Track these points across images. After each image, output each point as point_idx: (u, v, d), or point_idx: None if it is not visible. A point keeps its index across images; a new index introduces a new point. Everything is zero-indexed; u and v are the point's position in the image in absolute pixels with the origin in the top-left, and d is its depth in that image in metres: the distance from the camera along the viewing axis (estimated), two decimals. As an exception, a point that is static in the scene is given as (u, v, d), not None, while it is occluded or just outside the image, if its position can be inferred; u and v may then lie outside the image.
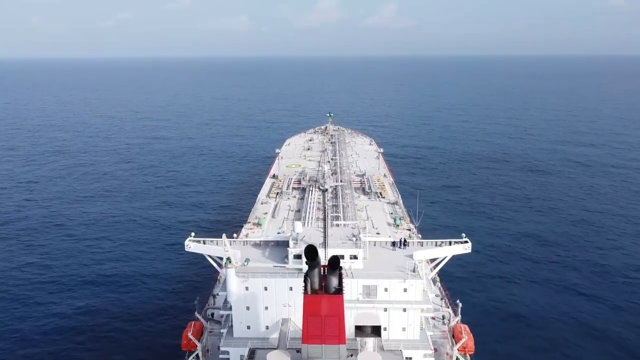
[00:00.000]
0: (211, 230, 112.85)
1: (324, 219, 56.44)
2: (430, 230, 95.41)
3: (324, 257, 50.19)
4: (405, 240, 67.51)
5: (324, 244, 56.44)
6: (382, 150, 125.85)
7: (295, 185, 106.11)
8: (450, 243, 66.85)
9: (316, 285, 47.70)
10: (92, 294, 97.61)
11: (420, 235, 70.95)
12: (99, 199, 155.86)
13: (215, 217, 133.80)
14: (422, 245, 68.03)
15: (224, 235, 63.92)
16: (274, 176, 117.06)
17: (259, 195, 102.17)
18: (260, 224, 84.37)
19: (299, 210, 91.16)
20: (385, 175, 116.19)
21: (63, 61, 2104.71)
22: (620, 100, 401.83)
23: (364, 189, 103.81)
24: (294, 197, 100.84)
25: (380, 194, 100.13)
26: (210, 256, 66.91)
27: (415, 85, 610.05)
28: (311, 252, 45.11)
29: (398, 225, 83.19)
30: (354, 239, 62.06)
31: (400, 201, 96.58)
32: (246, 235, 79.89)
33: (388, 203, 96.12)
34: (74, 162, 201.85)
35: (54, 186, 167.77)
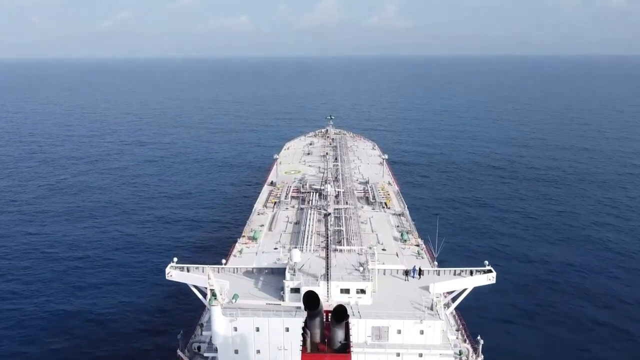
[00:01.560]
0: (201, 250, 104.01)
1: (326, 248, 48.61)
2: (443, 251, 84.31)
3: (326, 291, 43.71)
4: (419, 269, 59.77)
5: (327, 276, 49.46)
6: (386, 157, 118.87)
7: (294, 194, 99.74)
8: (471, 272, 58.89)
9: (317, 338, 39.98)
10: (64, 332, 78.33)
11: (436, 263, 62.73)
12: (79, 215, 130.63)
13: (207, 232, 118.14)
14: (438, 275, 60.23)
15: (207, 268, 56.29)
16: (271, 183, 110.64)
17: (255, 205, 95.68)
18: (256, 238, 77.82)
19: (297, 223, 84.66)
20: (389, 183, 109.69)
21: (62, 61, 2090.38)
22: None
23: (367, 199, 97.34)
24: (293, 207, 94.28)
25: (385, 204, 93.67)
26: (195, 286, 58.66)
27: (416, 85, 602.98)
28: (311, 301, 37.46)
29: (405, 240, 76.62)
30: (361, 268, 54.34)
31: (407, 212, 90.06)
32: (240, 251, 73.40)
33: (394, 214, 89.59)
34: (53, 172, 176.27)
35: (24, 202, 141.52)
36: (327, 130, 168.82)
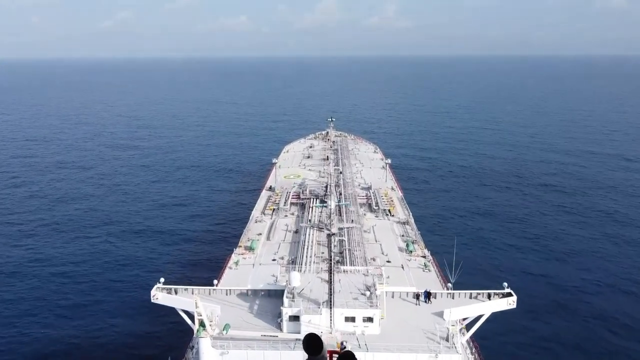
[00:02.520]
0: (194, 264, 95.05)
1: (330, 272, 43.38)
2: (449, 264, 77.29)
3: (328, 320, 39.39)
4: (429, 293, 54.36)
5: (330, 303, 44.42)
6: (389, 161, 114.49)
7: (294, 200, 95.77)
8: (489, 296, 53.09)
9: None
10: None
11: (450, 285, 56.29)
12: (62, 225, 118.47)
13: (201, 242, 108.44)
14: (452, 298, 54.49)
15: (195, 292, 51.13)
16: (270, 188, 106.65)
17: (253, 212, 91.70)
18: (253, 248, 73.82)
19: (297, 231, 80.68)
20: (393, 189, 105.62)
21: (62, 61, 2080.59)
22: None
23: (370, 205, 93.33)
24: (292, 213, 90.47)
25: (389, 211, 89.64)
26: (184, 311, 52.92)
27: (416, 86, 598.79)
28: (312, 344, 32.44)
29: (411, 252, 72.60)
30: (368, 293, 48.82)
31: (412, 220, 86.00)
32: (236, 263, 69.41)
33: (398, 223, 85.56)
34: (35, 178, 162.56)
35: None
36: (327, 133, 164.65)
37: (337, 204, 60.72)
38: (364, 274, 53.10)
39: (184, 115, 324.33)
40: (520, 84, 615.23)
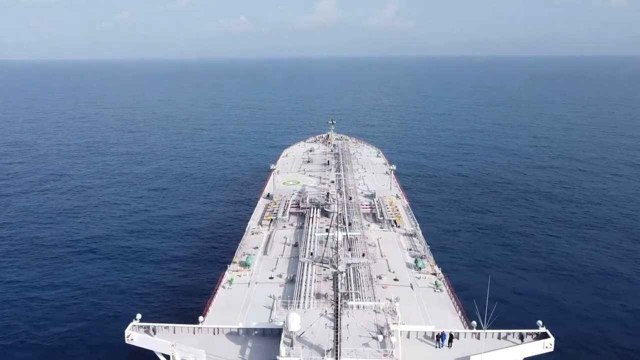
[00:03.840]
0: (180, 289, 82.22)
1: (336, 315, 36.50)
2: (461, 286, 66.59)
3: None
4: (450, 336, 46.16)
5: (336, 352, 36.73)
6: (394, 167, 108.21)
7: (293, 210, 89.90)
8: (521, 337, 45.31)
9: None
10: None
11: (475, 323, 48.44)
12: (28, 246, 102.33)
13: (191, 261, 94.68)
14: (478, 338, 46.59)
15: (175, 339, 43.70)
16: (268, 196, 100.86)
17: (249, 223, 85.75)
18: (248, 265, 67.98)
19: (296, 245, 74.90)
20: (398, 197, 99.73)
21: (61, 63, 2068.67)
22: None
23: (374, 215, 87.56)
24: (292, 224, 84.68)
25: (395, 222, 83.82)
26: (163, 355, 44.73)
27: (417, 87, 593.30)
28: None
29: (420, 268, 66.72)
30: (381, 336, 41.17)
31: (420, 232, 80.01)
32: (230, 282, 63.49)
33: (405, 235, 79.75)
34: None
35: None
36: (328, 136, 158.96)
37: (344, 234, 51.45)
38: (374, 311, 45.64)
39: (176, 118, 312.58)
40: (528, 85, 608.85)
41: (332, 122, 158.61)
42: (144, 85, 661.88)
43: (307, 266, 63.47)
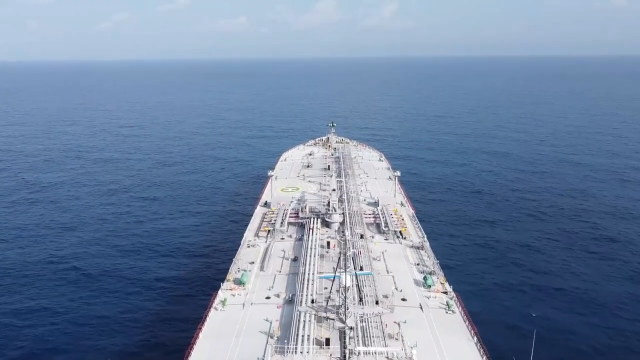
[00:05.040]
0: (167, 322, 73.61)
1: None
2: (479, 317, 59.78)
3: None
4: None
5: None
6: (398, 173, 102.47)
7: (292, 220, 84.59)
8: None
9: None
10: None
11: None
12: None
13: (181, 280, 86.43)
14: None
15: None
16: (265, 204, 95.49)
17: (245, 234, 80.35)
18: (244, 282, 62.65)
19: (295, 259, 69.63)
20: (402, 204, 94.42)
21: (60, 64, 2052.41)
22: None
23: (378, 225, 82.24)
24: (290, 236, 79.36)
25: (401, 233, 78.57)
26: None
27: (418, 88, 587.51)
28: None
29: (430, 286, 61.41)
30: None
31: (427, 245, 74.72)
32: (223, 303, 58.16)
33: (411, 247, 74.47)
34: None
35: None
36: (328, 139, 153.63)
37: (352, 273, 43.84)
38: (387, 358, 39.16)
39: (171, 121, 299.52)
40: (529, 85, 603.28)
41: (333, 125, 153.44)
42: (138, 86, 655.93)
43: (307, 285, 58.39)
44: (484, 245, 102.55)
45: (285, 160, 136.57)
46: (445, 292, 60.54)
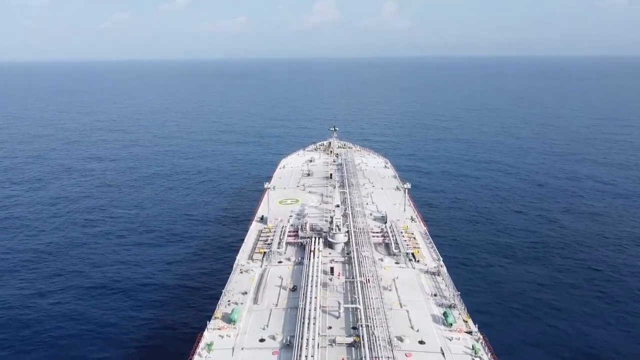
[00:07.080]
0: None
1: None
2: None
3: None
4: None
5: None
6: (408, 186, 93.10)
7: (291, 239, 75.56)
8: None
9: None
10: None
11: None
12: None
13: (160, 318, 75.47)
14: None
15: None
16: (261, 218, 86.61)
17: (237, 257, 71.06)
18: (234, 320, 53.72)
19: (294, 289, 60.78)
20: (413, 220, 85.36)
21: (59, 64, 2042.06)
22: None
23: (387, 245, 73.22)
24: (289, 259, 70.28)
25: (413, 255, 69.56)
26: None
27: (418, 88, 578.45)
28: None
29: (451, 324, 52.47)
30: None
31: (444, 270, 65.56)
32: (209, 346, 49.32)
33: (426, 273, 65.40)
34: None
35: None
36: (329, 144, 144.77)
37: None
38: None
39: (164, 124, 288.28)
40: (530, 85, 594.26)
41: (334, 129, 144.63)
42: (134, 87, 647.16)
43: (308, 326, 49.64)
44: (506, 264, 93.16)
45: (284, 167, 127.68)
46: (470, 332, 51.54)
